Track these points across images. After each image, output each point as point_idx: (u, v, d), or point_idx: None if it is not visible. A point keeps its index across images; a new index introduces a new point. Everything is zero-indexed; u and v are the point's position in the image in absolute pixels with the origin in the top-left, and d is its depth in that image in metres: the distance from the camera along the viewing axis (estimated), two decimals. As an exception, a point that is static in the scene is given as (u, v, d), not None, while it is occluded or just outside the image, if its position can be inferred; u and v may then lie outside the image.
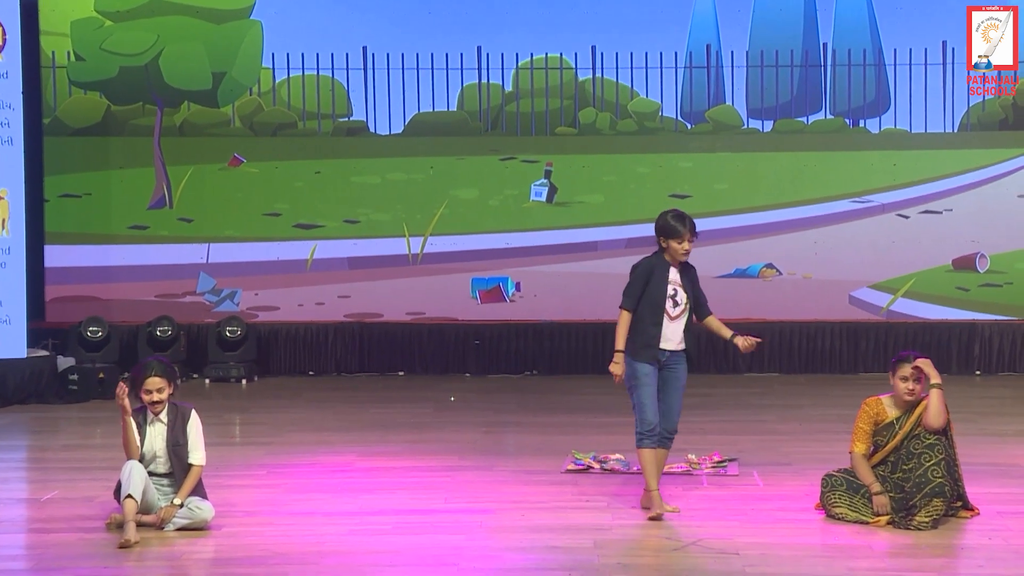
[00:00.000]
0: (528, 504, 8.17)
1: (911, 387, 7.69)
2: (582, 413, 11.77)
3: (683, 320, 7.86)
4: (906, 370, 7.70)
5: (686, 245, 7.83)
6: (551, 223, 14.34)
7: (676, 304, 7.83)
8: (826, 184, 14.29)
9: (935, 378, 7.65)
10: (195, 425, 7.75)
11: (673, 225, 7.84)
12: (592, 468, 9.19)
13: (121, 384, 7.62)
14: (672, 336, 7.85)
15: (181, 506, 7.55)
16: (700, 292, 7.97)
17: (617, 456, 9.39)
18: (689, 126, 14.35)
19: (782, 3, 14.22)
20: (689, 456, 9.39)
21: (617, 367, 7.83)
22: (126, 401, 7.57)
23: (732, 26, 14.22)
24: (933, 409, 7.61)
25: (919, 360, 7.71)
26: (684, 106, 14.33)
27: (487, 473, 9.06)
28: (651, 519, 7.71)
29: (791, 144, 14.31)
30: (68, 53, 14.33)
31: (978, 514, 7.77)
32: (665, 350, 7.86)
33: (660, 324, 7.83)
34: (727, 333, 7.94)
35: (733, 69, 14.25)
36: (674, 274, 7.86)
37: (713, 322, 8.01)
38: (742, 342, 7.89)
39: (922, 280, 14.24)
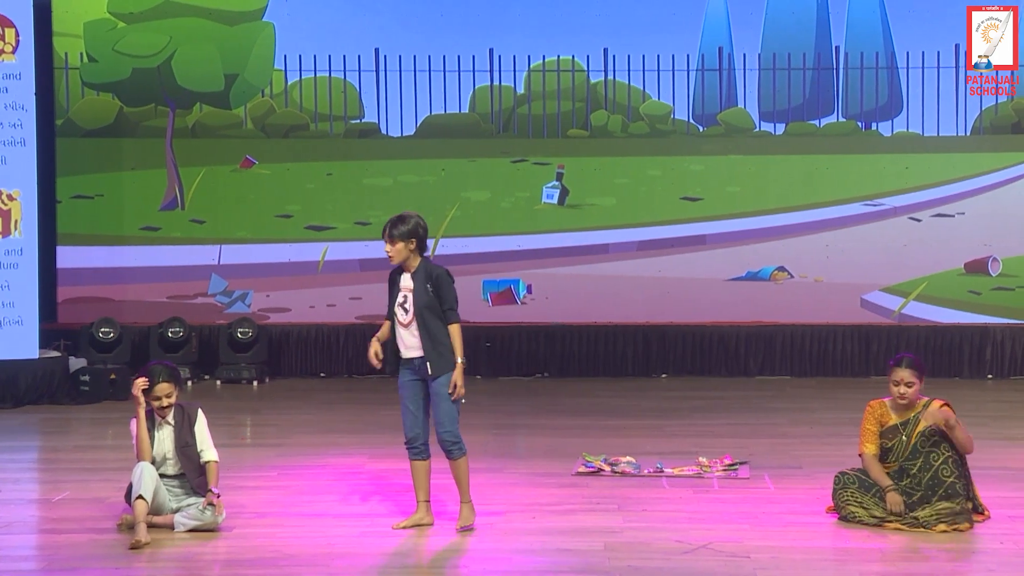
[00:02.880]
0: (539, 506, 8.17)
1: (902, 391, 7.71)
2: (593, 416, 11.77)
3: (415, 327, 7.53)
4: (897, 375, 7.72)
5: (386, 247, 7.56)
6: (562, 225, 14.34)
7: (405, 311, 7.55)
8: (838, 187, 14.28)
9: (957, 429, 7.62)
10: (202, 424, 7.79)
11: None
12: (603, 471, 9.19)
13: (136, 383, 7.68)
14: (410, 343, 7.58)
15: (219, 496, 7.59)
16: (444, 298, 7.52)
17: (628, 459, 9.38)
18: (701, 129, 14.34)
19: (794, 6, 14.20)
20: (700, 459, 9.38)
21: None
22: (140, 394, 7.61)
23: (744, 29, 14.21)
24: (960, 443, 7.61)
25: (935, 410, 7.69)
26: (696, 109, 14.32)
27: (497, 475, 9.06)
28: (397, 527, 7.64)
29: (803, 147, 14.29)
30: (81, 54, 14.36)
31: (989, 518, 7.76)
32: (409, 358, 7.60)
33: (394, 331, 7.63)
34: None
35: (745, 72, 14.24)
36: (406, 280, 7.57)
37: (450, 333, 7.57)
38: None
39: (934, 283, 14.22)
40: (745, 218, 14.31)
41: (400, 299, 7.59)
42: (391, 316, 7.67)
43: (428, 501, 7.75)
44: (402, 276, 7.62)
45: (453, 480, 7.73)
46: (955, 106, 14.10)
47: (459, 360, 7.57)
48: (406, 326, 7.59)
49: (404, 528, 7.66)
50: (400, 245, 7.54)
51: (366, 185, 14.47)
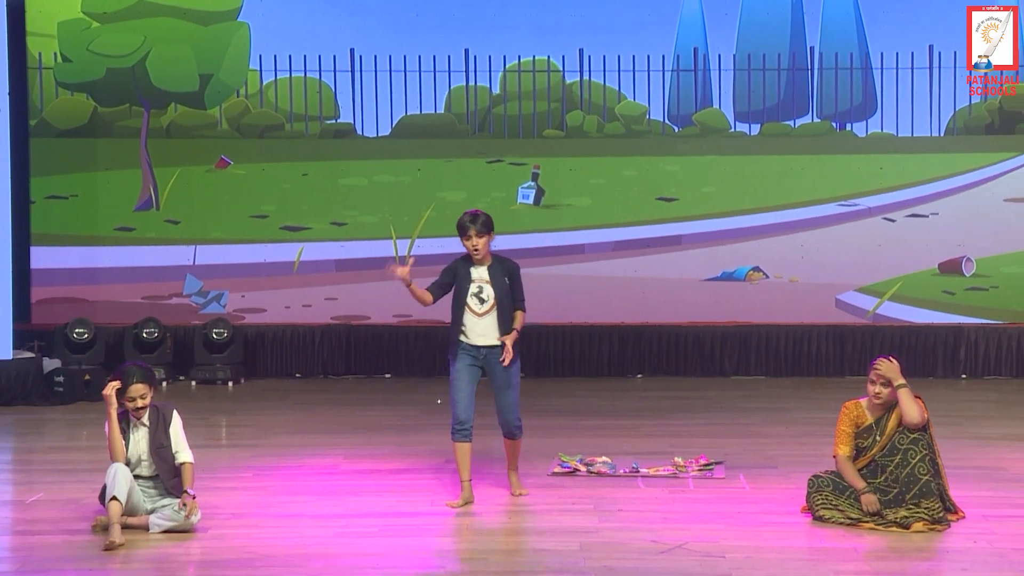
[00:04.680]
0: (514, 506, 8.18)
1: (876, 390, 7.74)
2: (569, 416, 11.77)
3: (493, 316, 8.17)
4: (875, 373, 7.76)
5: (473, 241, 8.09)
6: (538, 226, 14.34)
7: (482, 301, 8.17)
8: (813, 187, 14.31)
9: (897, 379, 7.69)
10: (177, 425, 7.77)
11: (462, 223, 8.14)
12: (578, 471, 9.20)
13: (110, 384, 7.66)
14: (483, 332, 8.18)
15: (194, 497, 7.57)
16: (516, 289, 8.26)
17: (603, 459, 9.39)
18: (676, 129, 14.36)
19: (769, 6, 14.23)
20: (676, 459, 9.40)
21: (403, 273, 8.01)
22: (113, 394, 7.59)
23: (719, 29, 14.23)
24: (905, 408, 7.64)
25: (877, 361, 7.76)
26: (671, 109, 14.34)
27: (473, 475, 9.04)
28: (451, 505, 8.16)
29: (778, 147, 14.32)
30: (55, 54, 14.29)
31: (963, 517, 7.79)
32: (477, 346, 8.20)
33: (461, 321, 8.16)
34: (506, 332, 8.16)
35: (720, 72, 14.26)
36: (480, 272, 8.17)
37: (517, 317, 8.26)
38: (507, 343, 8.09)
39: (908, 284, 14.27)
40: (720, 218, 14.33)
41: (475, 289, 8.15)
42: (437, 292, 8.18)
43: (471, 480, 8.27)
44: (474, 268, 8.15)
45: (506, 454, 8.57)
46: (929, 107, 14.15)
47: (516, 328, 8.21)
48: (481, 315, 8.15)
49: (456, 507, 8.12)
50: (486, 238, 8.15)
51: (342, 185, 14.45)
